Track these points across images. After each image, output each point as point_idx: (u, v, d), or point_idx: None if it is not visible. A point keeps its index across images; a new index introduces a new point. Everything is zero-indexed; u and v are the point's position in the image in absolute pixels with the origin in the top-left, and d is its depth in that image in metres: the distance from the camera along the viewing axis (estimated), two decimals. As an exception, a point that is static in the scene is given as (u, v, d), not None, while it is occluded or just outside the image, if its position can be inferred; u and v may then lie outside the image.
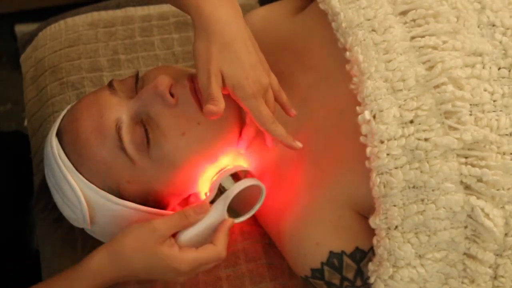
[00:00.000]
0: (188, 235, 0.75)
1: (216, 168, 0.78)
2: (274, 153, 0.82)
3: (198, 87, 0.75)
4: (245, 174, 0.79)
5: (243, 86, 0.70)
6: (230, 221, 0.77)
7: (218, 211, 0.76)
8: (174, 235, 0.75)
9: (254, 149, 0.80)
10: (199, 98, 0.75)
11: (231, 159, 0.79)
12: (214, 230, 0.76)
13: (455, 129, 0.68)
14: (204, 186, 0.79)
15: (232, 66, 0.70)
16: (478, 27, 0.75)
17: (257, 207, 0.80)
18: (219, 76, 0.70)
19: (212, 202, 0.77)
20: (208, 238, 0.75)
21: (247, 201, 0.80)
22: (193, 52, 0.71)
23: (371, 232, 0.72)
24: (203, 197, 0.79)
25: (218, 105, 0.69)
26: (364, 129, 0.70)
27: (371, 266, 0.73)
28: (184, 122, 0.74)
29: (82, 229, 0.81)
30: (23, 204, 0.90)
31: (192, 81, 0.76)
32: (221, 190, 0.77)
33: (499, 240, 0.67)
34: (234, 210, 0.81)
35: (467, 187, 0.68)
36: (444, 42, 0.72)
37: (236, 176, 0.78)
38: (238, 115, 0.78)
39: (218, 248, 0.74)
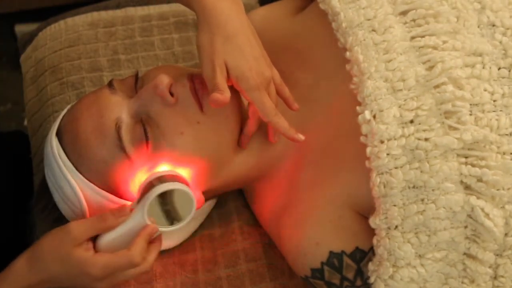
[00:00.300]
0: (106, 239, 0.71)
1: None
2: (274, 153, 0.82)
3: (198, 86, 0.75)
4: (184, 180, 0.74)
5: (247, 77, 0.71)
6: (151, 227, 0.71)
7: (139, 215, 0.71)
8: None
9: (254, 147, 0.80)
10: (199, 97, 0.75)
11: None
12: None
13: (455, 129, 0.68)
14: (202, 185, 0.78)
15: (236, 58, 0.71)
16: (478, 27, 0.75)
17: (189, 218, 0.74)
18: (223, 67, 0.71)
19: None
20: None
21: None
22: (197, 44, 0.72)
23: (371, 232, 0.72)
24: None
25: (224, 94, 0.70)
26: (364, 129, 0.70)
27: (371, 266, 0.72)
28: (183, 121, 0.74)
29: (82, 229, 0.81)
30: (23, 204, 0.90)
31: (192, 80, 0.76)
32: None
33: (499, 240, 0.67)
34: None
35: (467, 187, 0.68)
36: (444, 42, 0.72)
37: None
38: (239, 114, 0.78)
39: (131, 253, 0.70)
